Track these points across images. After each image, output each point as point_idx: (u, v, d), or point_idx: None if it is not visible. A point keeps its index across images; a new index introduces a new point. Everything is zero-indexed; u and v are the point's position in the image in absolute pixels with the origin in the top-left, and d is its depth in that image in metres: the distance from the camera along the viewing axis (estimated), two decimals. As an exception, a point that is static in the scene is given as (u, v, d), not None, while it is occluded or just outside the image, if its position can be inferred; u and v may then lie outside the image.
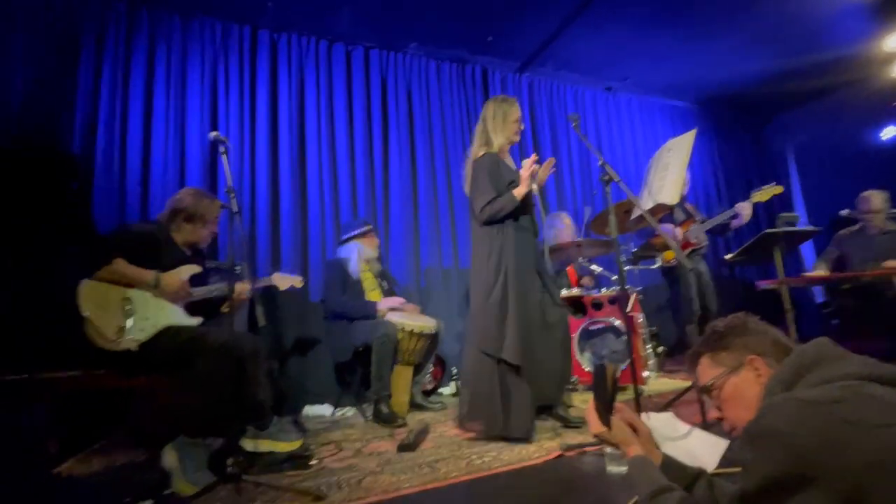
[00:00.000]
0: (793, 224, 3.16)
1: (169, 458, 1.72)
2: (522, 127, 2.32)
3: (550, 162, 2.22)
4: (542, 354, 2.16)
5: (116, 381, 1.85)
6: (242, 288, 2.13)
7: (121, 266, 1.85)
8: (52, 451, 1.99)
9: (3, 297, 2.24)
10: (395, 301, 2.94)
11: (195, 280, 2.11)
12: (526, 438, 2.03)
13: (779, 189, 3.28)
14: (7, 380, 1.68)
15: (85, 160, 2.86)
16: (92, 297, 1.82)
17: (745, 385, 0.90)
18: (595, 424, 1.07)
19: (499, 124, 2.23)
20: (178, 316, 1.99)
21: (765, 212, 5.28)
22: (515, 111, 2.24)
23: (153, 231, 2.07)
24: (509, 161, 2.34)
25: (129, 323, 1.84)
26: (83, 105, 2.91)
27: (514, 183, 2.19)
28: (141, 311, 1.89)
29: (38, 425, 1.94)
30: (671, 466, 1.01)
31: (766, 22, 3.82)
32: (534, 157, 2.14)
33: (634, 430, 1.07)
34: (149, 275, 1.90)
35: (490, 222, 2.18)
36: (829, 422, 0.64)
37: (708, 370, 0.97)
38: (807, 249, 5.38)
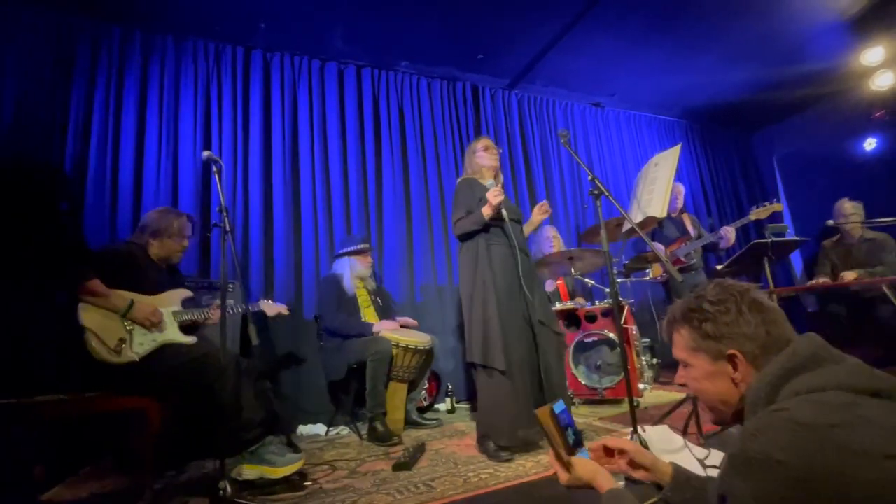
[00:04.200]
0: (781, 234, 3.20)
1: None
2: (494, 150, 2.49)
3: (543, 206, 2.44)
4: (529, 365, 2.18)
5: (104, 405, 1.82)
6: (216, 314, 2.13)
7: (96, 286, 1.84)
8: (39, 477, 1.95)
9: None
10: (391, 325, 2.91)
11: (185, 301, 2.13)
12: (513, 447, 2.06)
13: (778, 206, 3.30)
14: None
15: (76, 180, 2.85)
16: (95, 309, 1.84)
17: (717, 375, 0.84)
18: (560, 474, 0.98)
19: (468, 158, 2.54)
20: (175, 334, 1.99)
21: (754, 223, 5.36)
22: (477, 143, 2.52)
23: (130, 250, 2.09)
24: (490, 181, 2.44)
25: (130, 336, 1.85)
26: (75, 125, 2.92)
27: (482, 200, 2.28)
28: (140, 327, 1.90)
29: (25, 451, 1.89)
30: (682, 477, 0.97)
31: (748, 37, 3.94)
32: (498, 188, 2.26)
33: (623, 451, 1.01)
34: (121, 301, 1.88)
35: (462, 238, 2.36)
36: (830, 450, 0.60)
37: (684, 346, 0.90)
38: (796, 259, 5.45)
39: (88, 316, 1.81)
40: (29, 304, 2.24)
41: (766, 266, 2.89)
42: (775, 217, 3.49)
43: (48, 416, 1.77)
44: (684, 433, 1.51)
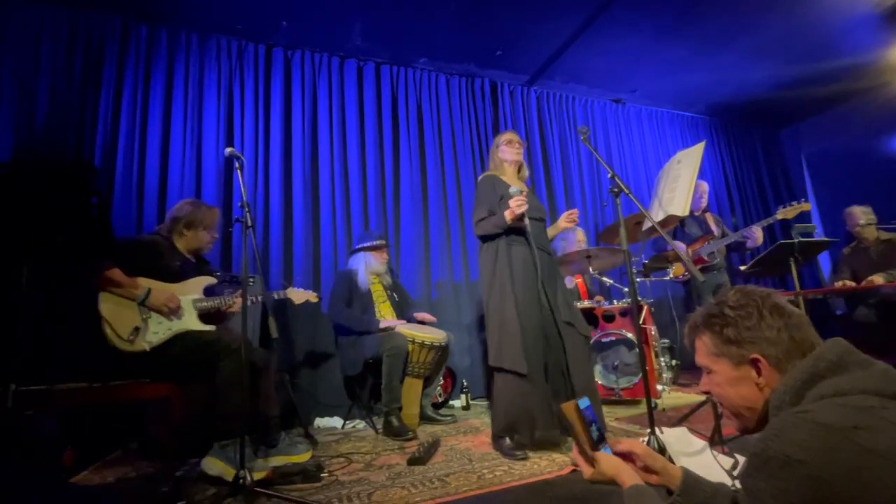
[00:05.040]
0: (809, 235, 3.10)
1: (215, 467, 1.79)
2: (517, 144, 2.46)
3: (572, 215, 2.38)
4: (551, 367, 2.15)
5: (128, 393, 1.88)
6: (236, 302, 2.16)
7: (115, 275, 1.90)
8: (69, 461, 2.03)
9: (23, 310, 2.30)
10: (396, 323, 2.91)
11: (208, 290, 2.17)
12: (522, 451, 2.04)
13: (806, 206, 3.20)
14: (25, 391, 1.72)
15: (105, 174, 2.95)
16: (112, 298, 1.89)
17: (741, 381, 0.84)
18: (584, 469, 1.00)
19: (493, 153, 2.51)
20: (193, 322, 2.03)
21: (781, 222, 5.22)
22: (501, 137, 2.48)
23: (154, 240, 2.14)
24: (513, 179, 2.42)
25: (144, 325, 1.90)
26: (104, 121, 3.02)
27: (503, 198, 2.25)
28: (157, 315, 1.95)
29: (55, 435, 1.97)
30: (692, 483, 0.97)
31: (776, 31, 3.82)
32: (522, 197, 2.17)
33: (634, 455, 1.01)
34: (139, 289, 1.93)
35: (484, 239, 2.33)
36: (852, 451, 0.59)
37: (706, 352, 0.89)
38: (824, 260, 5.28)
39: (106, 305, 1.87)
40: (59, 294, 2.33)
41: (793, 267, 2.80)
42: (803, 217, 3.40)
43: (74, 403, 1.83)
44: (711, 443, 1.49)
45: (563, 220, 2.40)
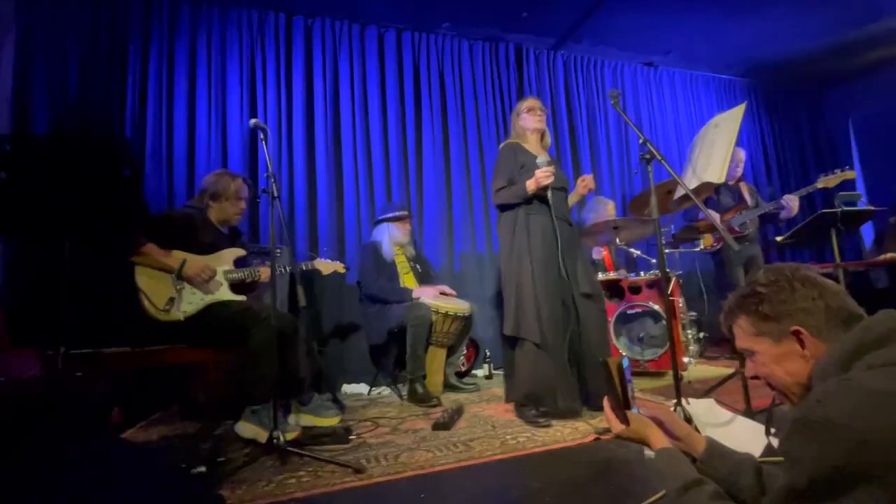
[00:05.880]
0: (853, 204, 2.93)
1: (248, 430, 1.89)
2: (539, 111, 2.39)
3: (586, 179, 2.34)
4: (570, 337, 2.15)
5: (168, 357, 1.98)
6: (265, 272, 2.21)
7: (150, 250, 1.97)
8: (117, 418, 2.17)
9: (64, 279, 2.42)
10: (431, 291, 2.95)
11: (238, 262, 2.23)
12: (545, 419, 2.06)
13: (850, 174, 3.00)
14: (75, 354, 1.83)
15: (136, 147, 3.01)
16: (147, 271, 1.98)
17: (786, 356, 0.82)
18: (615, 425, 1.02)
19: (514, 120, 2.45)
20: (225, 293, 2.11)
21: (821, 192, 4.95)
22: (522, 103, 2.42)
23: (187, 214, 2.20)
24: (535, 147, 2.36)
25: (179, 296, 1.99)
26: (132, 95, 3.06)
27: (525, 167, 2.20)
28: (191, 287, 2.03)
29: (103, 395, 2.10)
30: (716, 452, 0.98)
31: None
32: (550, 169, 2.14)
33: (660, 420, 1.02)
34: (174, 261, 2.01)
35: (502, 208, 2.30)
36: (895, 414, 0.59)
37: (745, 334, 0.88)
38: (867, 232, 5.01)
39: (142, 278, 1.96)
40: (100, 266, 2.43)
41: (834, 239, 2.67)
42: (846, 186, 3.21)
43: (119, 365, 1.96)
44: (767, 432, 1.45)
45: (580, 187, 2.36)
